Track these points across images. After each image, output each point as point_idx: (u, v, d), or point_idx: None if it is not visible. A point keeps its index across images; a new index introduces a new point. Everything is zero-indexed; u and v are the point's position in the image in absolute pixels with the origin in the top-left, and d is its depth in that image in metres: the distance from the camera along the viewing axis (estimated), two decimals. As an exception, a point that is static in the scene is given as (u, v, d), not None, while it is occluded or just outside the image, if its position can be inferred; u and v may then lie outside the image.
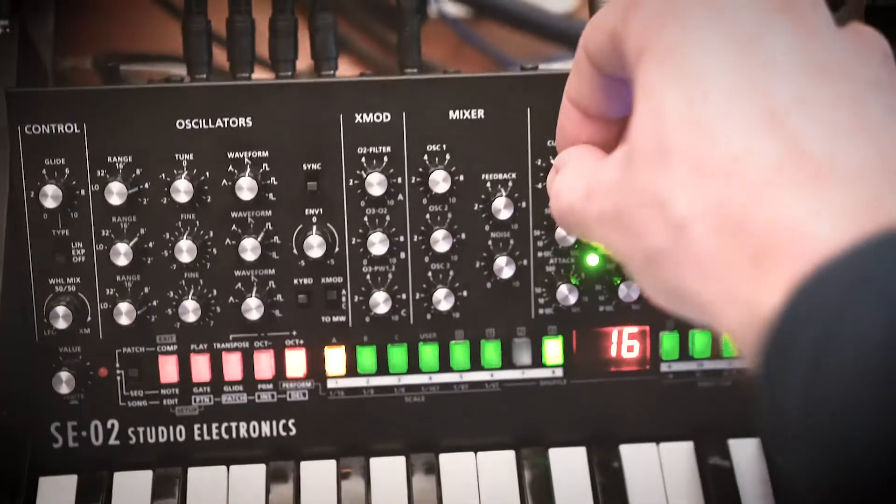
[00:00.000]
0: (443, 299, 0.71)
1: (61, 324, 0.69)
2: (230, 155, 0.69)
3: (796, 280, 0.36)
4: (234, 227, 0.70)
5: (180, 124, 0.69)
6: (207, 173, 0.69)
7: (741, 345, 0.39)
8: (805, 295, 0.35)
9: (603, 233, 0.46)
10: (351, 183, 0.70)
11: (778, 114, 0.39)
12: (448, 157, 0.70)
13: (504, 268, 0.71)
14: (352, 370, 0.73)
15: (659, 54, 0.43)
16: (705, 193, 0.39)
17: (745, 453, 0.74)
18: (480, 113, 0.70)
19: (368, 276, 0.71)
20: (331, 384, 0.73)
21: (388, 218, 0.71)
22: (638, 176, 0.42)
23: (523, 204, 0.71)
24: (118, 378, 0.72)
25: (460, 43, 1.07)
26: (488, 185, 0.71)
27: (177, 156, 0.69)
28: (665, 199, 0.41)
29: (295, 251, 0.70)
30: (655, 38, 0.43)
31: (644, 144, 0.42)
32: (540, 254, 0.72)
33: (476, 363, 0.73)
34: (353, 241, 0.71)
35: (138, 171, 0.69)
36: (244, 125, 0.69)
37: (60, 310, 0.69)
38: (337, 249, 0.71)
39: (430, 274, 0.71)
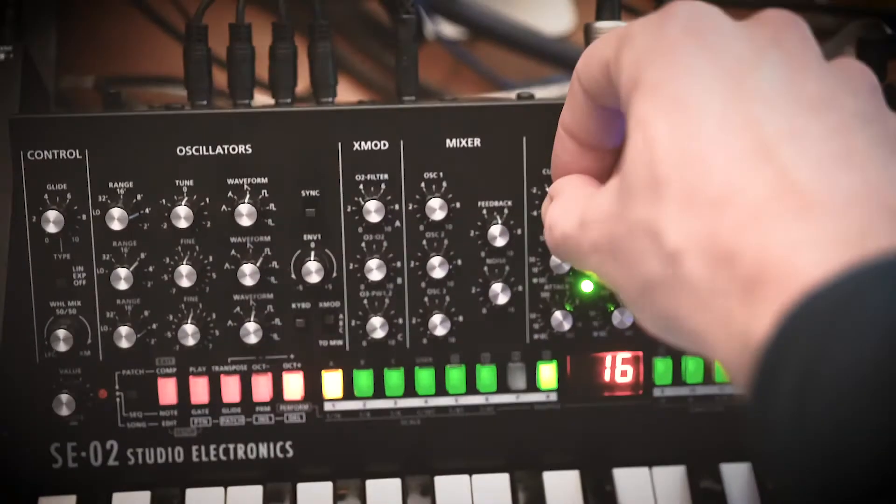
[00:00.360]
0: (439, 324, 0.72)
1: (62, 346, 0.70)
2: (230, 181, 0.70)
3: (784, 308, 0.37)
4: (233, 252, 0.71)
5: (181, 151, 0.70)
6: (207, 199, 0.70)
7: (733, 372, 0.39)
8: (793, 321, 0.36)
9: (597, 262, 0.47)
10: (349, 209, 0.71)
11: (768, 146, 0.40)
12: (445, 184, 0.71)
13: (499, 294, 0.71)
14: (349, 393, 0.73)
15: (651, 87, 0.43)
16: (697, 224, 0.40)
17: (736, 477, 0.75)
18: (477, 141, 0.71)
19: (366, 301, 0.72)
20: (328, 407, 0.74)
21: (385, 244, 0.72)
22: (631, 207, 0.43)
23: (518, 231, 0.72)
24: (118, 400, 0.72)
25: (456, 64, 1.08)
26: (484, 212, 0.72)
27: (177, 182, 0.70)
28: (658, 230, 0.41)
29: (293, 276, 0.71)
30: (648, 70, 0.44)
31: (637, 176, 0.43)
32: (535, 280, 0.73)
33: (471, 387, 0.74)
34: (351, 267, 0.72)
35: (139, 197, 0.70)
36: (244, 152, 0.70)
37: (61, 332, 0.70)
38: (335, 275, 0.72)
39: (426, 299, 0.72)
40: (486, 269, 0.72)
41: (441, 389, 0.74)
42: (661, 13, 0.45)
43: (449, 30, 1.06)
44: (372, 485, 0.74)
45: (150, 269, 0.71)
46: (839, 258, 0.36)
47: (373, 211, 0.70)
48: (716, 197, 0.40)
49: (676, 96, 0.42)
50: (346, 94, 0.74)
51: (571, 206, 0.50)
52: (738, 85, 0.42)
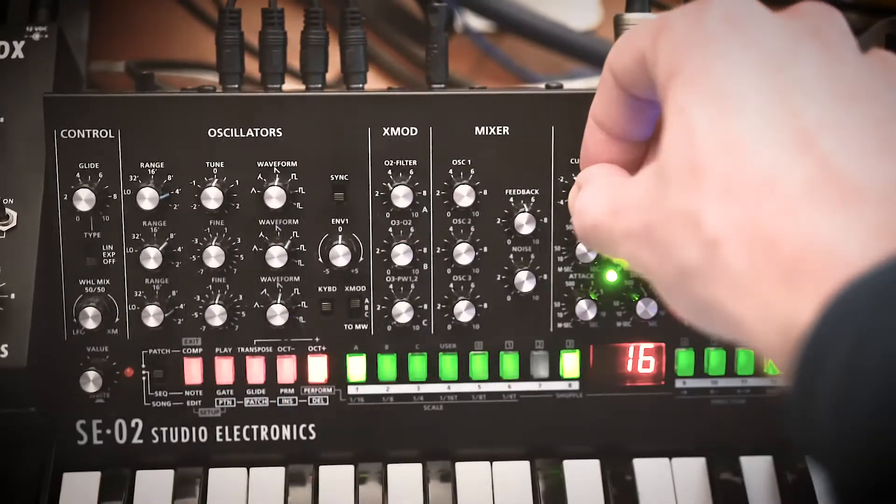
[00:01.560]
0: (463, 311, 0.72)
1: (90, 324, 0.71)
2: (260, 164, 0.71)
3: (828, 296, 0.37)
4: (261, 234, 0.71)
5: (212, 133, 0.71)
6: (237, 181, 0.71)
7: (773, 360, 0.40)
8: (837, 309, 0.36)
9: (630, 250, 0.47)
10: (377, 194, 0.72)
11: (808, 136, 0.40)
12: (472, 171, 0.72)
13: (525, 281, 0.72)
14: (372, 377, 0.74)
15: (690, 75, 0.44)
16: (737, 211, 0.40)
17: (756, 470, 0.75)
18: (506, 129, 0.71)
19: (391, 286, 0.73)
20: (351, 391, 0.74)
21: (412, 230, 0.72)
22: (669, 194, 0.43)
23: (545, 220, 0.72)
24: (143, 378, 0.73)
25: (483, 57, 1.08)
26: (511, 200, 0.72)
27: (207, 163, 0.71)
28: (698, 217, 0.42)
29: (320, 260, 0.72)
30: (686, 59, 0.44)
31: (676, 163, 0.43)
32: (560, 269, 0.73)
33: (494, 374, 0.74)
34: (378, 252, 0.72)
35: (170, 178, 0.71)
36: (274, 135, 0.71)
37: (90, 310, 0.71)
38: (361, 259, 0.72)
39: (451, 286, 0.73)
40: (511, 256, 0.73)
41: (464, 376, 0.74)
42: (699, 3, 0.45)
43: (476, 23, 1.07)
44: (393, 469, 0.74)
45: (179, 249, 0.71)
46: (882, 246, 0.37)
47: (401, 196, 0.71)
48: (756, 184, 0.40)
49: (716, 85, 0.43)
50: (373, 85, 0.75)
51: (602, 194, 0.50)
52: (778, 75, 0.42)
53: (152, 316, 0.71)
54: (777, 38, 0.43)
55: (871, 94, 0.42)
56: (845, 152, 0.39)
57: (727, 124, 0.42)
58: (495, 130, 0.71)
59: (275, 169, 0.71)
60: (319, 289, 0.73)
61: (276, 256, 0.71)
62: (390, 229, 0.72)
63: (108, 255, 0.71)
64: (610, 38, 1.07)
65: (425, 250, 0.72)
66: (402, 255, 0.71)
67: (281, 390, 0.74)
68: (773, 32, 0.44)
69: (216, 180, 0.70)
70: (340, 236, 0.72)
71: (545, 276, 0.73)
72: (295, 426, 0.74)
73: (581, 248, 0.72)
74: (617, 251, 0.49)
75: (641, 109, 0.51)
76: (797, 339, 0.37)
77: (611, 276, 0.73)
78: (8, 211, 0.70)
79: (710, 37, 0.44)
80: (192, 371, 0.73)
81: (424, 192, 0.72)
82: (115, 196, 0.71)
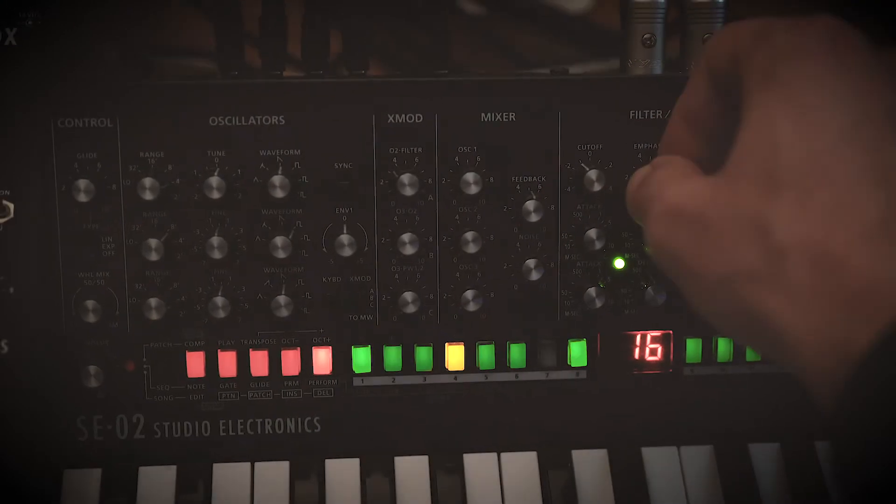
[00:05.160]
0: (470, 300, 0.71)
1: (90, 317, 0.69)
2: (262, 153, 0.69)
3: (889, 325, 0.37)
4: (264, 224, 0.70)
5: (213, 121, 0.69)
6: (239, 170, 0.69)
7: (814, 379, 0.40)
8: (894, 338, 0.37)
9: (678, 239, 0.47)
10: (382, 183, 0.70)
11: (888, 170, 0.41)
12: (479, 158, 0.70)
13: (532, 270, 0.71)
14: (378, 368, 0.73)
15: (783, 86, 0.44)
16: (809, 228, 0.41)
17: (765, 457, 0.75)
18: (512, 115, 0.70)
19: (397, 276, 0.72)
20: (357, 382, 0.73)
21: (417, 218, 0.71)
22: (742, 195, 0.44)
23: (552, 207, 0.71)
24: (145, 372, 0.72)
25: (476, 42, 1.07)
26: (518, 187, 0.71)
27: (209, 152, 0.69)
28: (767, 224, 0.42)
29: (325, 249, 0.71)
30: (782, 70, 0.44)
31: (753, 168, 0.43)
32: (567, 257, 0.72)
33: (501, 364, 0.73)
34: (383, 241, 0.71)
35: (170, 167, 0.69)
36: (277, 123, 0.69)
37: (89, 303, 0.69)
38: (366, 249, 0.71)
39: (458, 275, 0.72)
40: (518, 245, 0.72)
41: (471, 366, 0.73)
42: (805, 19, 0.46)
43: (469, 7, 1.06)
44: (400, 462, 0.73)
45: (181, 240, 0.70)
46: None
47: (406, 184, 0.69)
48: (831, 207, 0.41)
49: (807, 101, 0.43)
50: (371, 71, 0.74)
51: (676, 177, 0.50)
52: (867, 104, 0.43)
53: (153, 308, 0.70)
54: (874, 68, 0.44)
55: None
56: None
57: (811, 142, 0.42)
58: (501, 117, 0.70)
59: (278, 157, 0.70)
60: (324, 279, 0.71)
61: (280, 247, 0.69)
62: (396, 218, 0.71)
63: (108, 246, 0.70)
64: (604, 21, 1.06)
65: (431, 239, 0.71)
66: (407, 244, 0.70)
67: (285, 383, 0.73)
68: (870, 62, 0.44)
69: (218, 169, 0.69)
70: (345, 226, 0.70)
71: (552, 265, 0.72)
72: (300, 419, 0.73)
73: (589, 236, 0.71)
74: (662, 236, 0.48)
75: (727, 110, 0.51)
76: (853, 362, 0.38)
77: (618, 264, 0.72)
78: (5, 203, 0.68)
79: (809, 54, 0.44)
80: (195, 364, 0.72)
81: (430, 180, 0.70)
82: (114, 186, 0.69)
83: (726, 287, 0.44)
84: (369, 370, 0.73)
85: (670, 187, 0.49)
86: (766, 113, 0.44)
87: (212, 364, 0.72)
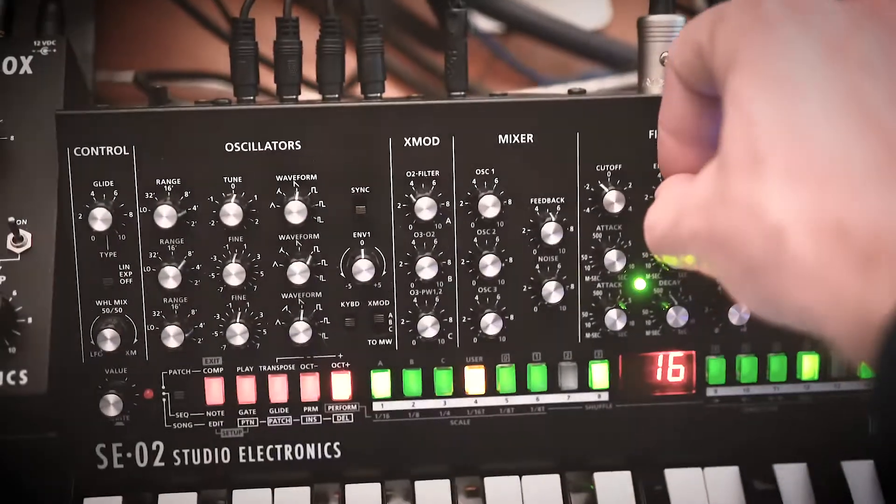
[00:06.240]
0: (490, 323, 0.71)
1: (108, 346, 0.69)
2: (279, 178, 0.69)
3: None
4: (281, 250, 0.70)
5: (229, 147, 0.69)
6: (256, 196, 0.69)
7: (848, 350, 0.38)
8: None
9: (698, 251, 0.46)
10: (399, 206, 0.70)
11: (873, 114, 0.39)
12: (497, 181, 0.70)
13: (552, 292, 0.70)
14: (398, 393, 0.72)
15: (748, 62, 0.42)
16: (802, 198, 0.39)
17: (790, 478, 0.74)
18: (529, 137, 0.70)
19: (416, 300, 0.71)
20: (376, 407, 0.73)
21: (435, 242, 0.70)
22: (730, 185, 0.42)
23: (571, 228, 0.71)
24: (164, 400, 0.71)
25: (492, 59, 1.07)
26: (537, 209, 0.70)
27: (225, 179, 0.69)
28: (759, 206, 0.40)
29: (342, 274, 0.70)
30: (745, 48, 0.43)
31: (736, 152, 0.42)
32: (587, 278, 0.71)
33: (522, 387, 0.73)
34: (401, 265, 0.71)
35: (186, 194, 0.69)
36: (293, 148, 0.69)
37: (108, 332, 0.69)
38: (384, 273, 0.71)
39: (477, 298, 0.71)
40: (538, 267, 0.71)
41: (491, 389, 0.73)
42: None
43: (484, 24, 1.05)
44: (421, 486, 0.73)
45: (198, 267, 0.70)
46: None
47: (424, 208, 0.69)
48: (820, 168, 0.39)
49: (775, 71, 0.41)
50: (386, 93, 0.73)
51: (668, 204, 0.49)
52: (837, 55, 0.41)
53: (172, 336, 0.69)
54: (836, 19, 0.42)
55: None
56: None
57: (788, 109, 0.40)
58: (519, 138, 0.70)
59: (294, 183, 0.69)
60: (342, 304, 0.71)
61: (298, 272, 0.69)
62: (413, 242, 0.70)
63: (125, 274, 0.70)
64: (620, 37, 1.05)
65: (450, 262, 0.71)
66: (426, 268, 0.70)
67: (304, 408, 0.72)
68: (831, 15, 0.42)
69: (234, 196, 0.69)
70: (363, 250, 0.70)
71: (572, 286, 0.71)
72: (319, 444, 0.73)
73: (610, 258, 0.70)
74: (686, 256, 0.48)
75: (706, 107, 0.50)
76: (878, 327, 0.36)
77: (639, 285, 0.72)
78: (22, 232, 0.68)
79: (767, 22, 0.43)
80: (214, 391, 0.71)
81: (448, 203, 0.70)
82: (131, 214, 0.69)
83: (746, 282, 0.42)
84: (389, 395, 0.72)
85: (664, 219, 0.48)
86: (739, 94, 0.42)
87: (231, 391, 0.71)
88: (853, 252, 0.37)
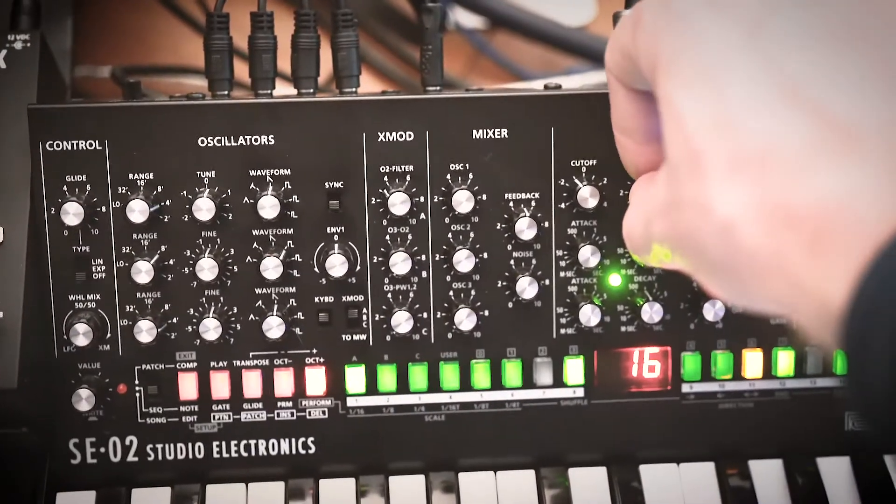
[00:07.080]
0: (464, 319, 0.70)
1: (81, 341, 0.69)
2: (252, 173, 0.69)
3: (860, 268, 0.34)
4: (255, 245, 0.70)
5: (202, 142, 0.69)
6: (229, 191, 0.69)
7: (819, 337, 0.37)
8: (874, 281, 0.34)
9: (673, 252, 0.46)
10: (373, 201, 0.70)
11: (797, 87, 0.38)
12: (471, 176, 0.70)
13: (527, 287, 0.70)
14: (372, 389, 0.72)
15: (667, 62, 0.42)
16: (744, 188, 0.38)
17: (765, 474, 0.74)
18: (504, 132, 0.70)
19: (390, 295, 0.71)
20: (351, 402, 0.72)
21: (410, 237, 0.70)
22: (679, 187, 0.42)
23: (546, 224, 0.70)
24: (137, 395, 0.71)
25: (476, 54, 1.07)
26: (511, 204, 0.70)
27: (198, 173, 0.69)
28: (707, 205, 0.40)
29: (316, 269, 0.70)
30: (662, 47, 0.43)
31: (676, 154, 0.42)
32: (562, 274, 0.71)
33: (497, 383, 0.73)
34: (375, 260, 0.70)
35: (160, 189, 0.69)
36: (266, 143, 0.69)
37: (80, 327, 0.69)
38: (358, 268, 0.70)
39: (451, 293, 0.71)
40: (512, 262, 0.71)
41: (466, 385, 0.72)
42: None
43: (468, 20, 1.05)
44: (395, 482, 0.73)
45: (171, 262, 0.69)
46: None
47: (398, 203, 0.69)
48: (755, 155, 0.38)
49: (696, 66, 0.41)
50: (365, 86, 0.73)
51: (638, 209, 0.49)
52: (756, 34, 0.40)
53: (145, 331, 0.69)
54: (748, 2, 0.41)
55: (860, 32, 0.39)
56: (836, 92, 0.37)
57: (714, 101, 0.40)
58: (493, 133, 0.70)
59: (268, 177, 0.69)
60: (316, 299, 0.71)
61: (272, 267, 0.69)
62: (388, 237, 0.70)
63: (98, 269, 0.69)
64: (605, 33, 1.05)
65: (424, 258, 0.71)
66: (400, 263, 0.69)
67: (279, 404, 0.72)
68: None
69: (208, 190, 0.69)
70: (337, 245, 0.70)
71: (547, 282, 0.71)
72: (294, 440, 0.73)
73: (584, 253, 0.70)
74: (665, 256, 0.47)
75: (653, 105, 0.49)
76: (837, 316, 0.35)
77: (614, 281, 0.71)
78: (-6, 227, 0.68)
79: (678, 17, 0.42)
80: (187, 386, 0.71)
81: (422, 199, 0.70)
82: (103, 209, 0.69)
83: (717, 278, 0.42)
84: (363, 390, 0.72)
85: (637, 227, 0.48)
86: (666, 95, 0.42)
87: (204, 386, 0.71)
88: (803, 236, 0.36)
